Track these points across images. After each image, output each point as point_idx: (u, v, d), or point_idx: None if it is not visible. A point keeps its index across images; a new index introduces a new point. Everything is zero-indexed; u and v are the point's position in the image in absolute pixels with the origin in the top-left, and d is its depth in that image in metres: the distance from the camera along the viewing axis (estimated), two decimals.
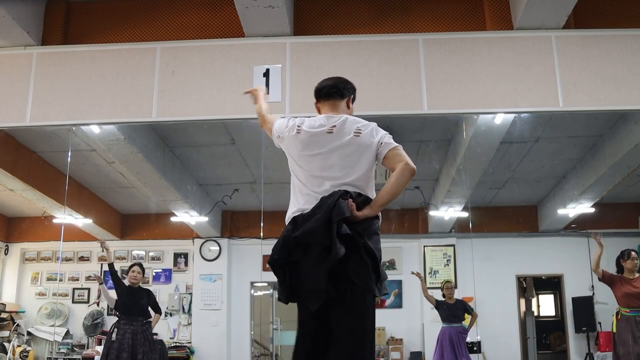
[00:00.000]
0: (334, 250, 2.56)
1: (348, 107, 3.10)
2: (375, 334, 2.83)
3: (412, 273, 8.39)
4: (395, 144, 2.87)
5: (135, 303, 6.82)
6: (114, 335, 6.60)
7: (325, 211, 2.62)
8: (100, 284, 7.73)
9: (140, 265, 7.11)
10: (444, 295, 8.10)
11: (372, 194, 2.86)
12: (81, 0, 5.93)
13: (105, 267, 10.70)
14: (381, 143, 2.86)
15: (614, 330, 6.29)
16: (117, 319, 6.86)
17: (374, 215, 2.78)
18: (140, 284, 7.10)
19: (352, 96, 3.14)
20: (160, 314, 7.21)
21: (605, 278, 6.36)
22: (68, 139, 7.02)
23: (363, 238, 2.68)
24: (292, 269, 2.70)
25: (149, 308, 7.02)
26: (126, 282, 7.01)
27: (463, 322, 8.04)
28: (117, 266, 10.59)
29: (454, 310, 7.94)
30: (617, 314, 6.32)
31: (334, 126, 2.90)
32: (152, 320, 7.03)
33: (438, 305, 7.99)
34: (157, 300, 7.35)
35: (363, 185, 2.83)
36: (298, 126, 2.95)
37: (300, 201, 2.82)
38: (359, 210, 2.70)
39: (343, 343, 2.63)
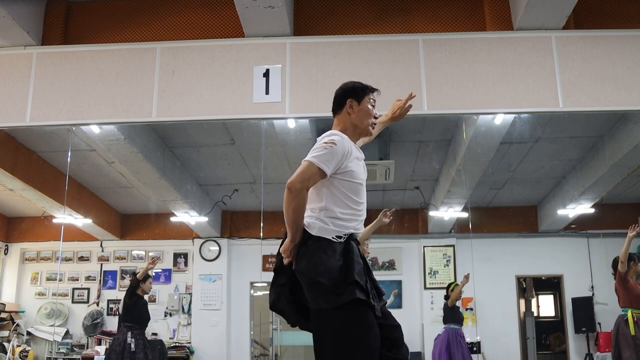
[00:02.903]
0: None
1: (348, 113, 2.96)
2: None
3: (464, 277, 8.06)
4: (305, 158, 2.72)
5: (148, 314, 6.98)
6: (132, 346, 6.58)
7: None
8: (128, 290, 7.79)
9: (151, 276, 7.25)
10: (447, 297, 8.11)
11: (331, 208, 2.76)
12: (81, 0, 5.93)
13: (105, 267, 10.74)
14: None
15: (633, 333, 6.09)
16: (126, 327, 6.81)
17: (297, 239, 2.72)
18: None
19: (349, 100, 2.97)
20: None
21: (621, 275, 6.27)
22: (68, 139, 7.02)
23: (297, 262, 2.72)
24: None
25: None
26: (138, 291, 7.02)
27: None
28: (117, 266, 10.69)
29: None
30: (632, 315, 6.20)
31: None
32: None
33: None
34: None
35: (315, 207, 2.78)
36: None
37: None
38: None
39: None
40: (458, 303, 8.17)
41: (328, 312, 2.61)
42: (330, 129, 2.96)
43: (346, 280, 2.61)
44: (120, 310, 7.39)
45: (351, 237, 2.78)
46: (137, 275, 6.96)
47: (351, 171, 2.81)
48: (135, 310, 6.82)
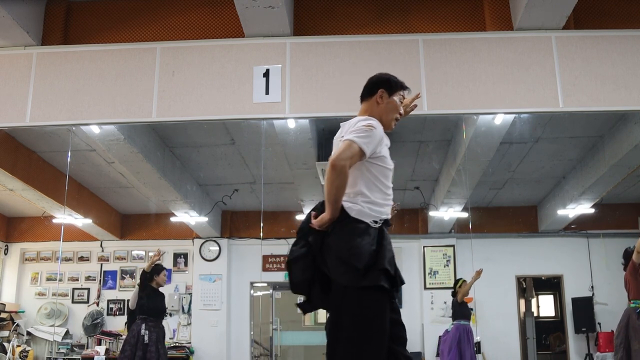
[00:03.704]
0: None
1: (377, 102, 3.01)
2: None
3: (476, 272, 8.02)
4: (347, 137, 2.76)
5: (161, 304, 6.97)
6: (146, 338, 6.60)
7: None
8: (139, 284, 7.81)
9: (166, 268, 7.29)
10: (454, 294, 8.13)
11: (365, 192, 2.81)
12: (81, 0, 5.93)
13: (105, 268, 10.75)
14: (342, 138, 2.83)
15: None
16: (141, 319, 6.81)
17: (335, 216, 2.75)
18: None
19: (381, 90, 3.01)
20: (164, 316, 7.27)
21: (635, 265, 6.19)
22: (68, 139, 7.02)
23: (330, 236, 2.76)
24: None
25: None
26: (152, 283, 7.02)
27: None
28: (117, 266, 10.70)
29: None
30: None
31: (339, 135, 2.95)
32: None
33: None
34: None
35: (350, 191, 2.81)
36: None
37: None
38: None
39: (327, 335, 2.78)
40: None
41: (351, 290, 2.68)
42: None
43: (376, 266, 2.68)
44: (135, 305, 7.46)
45: (385, 222, 2.85)
46: (145, 268, 7.00)
47: (383, 156, 2.88)
48: (149, 302, 6.83)
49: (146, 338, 6.59)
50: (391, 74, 3.11)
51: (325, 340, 2.80)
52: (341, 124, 3.02)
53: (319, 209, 2.84)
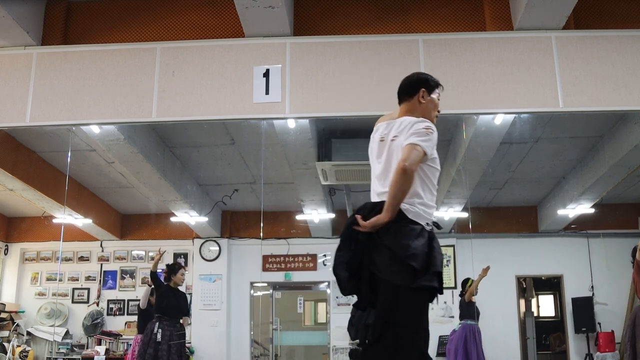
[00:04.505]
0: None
1: (419, 102, 3.07)
2: None
3: (483, 269, 8.06)
4: (411, 141, 2.82)
5: (178, 303, 6.92)
6: (159, 336, 6.60)
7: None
8: (150, 286, 7.81)
9: (184, 267, 7.26)
10: (462, 294, 8.13)
11: (420, 193, 2.86)
12: (81, 0, 5.93)
13: (105, 268, 10.75)
14: (403, 141, 2.87)
15: None
16: (156, 317, 6.81)
17: (392, 218, 2.78)
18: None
19: (422, 89, 3.08)
20: (189, 316, 7.24)
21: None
22: (68, 139, 7.02)
23: (381, 238, 2.79)
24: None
25: None
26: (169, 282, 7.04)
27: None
28: (117, 266, 10.70)
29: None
30: None
31: (386, 134, 3.00)
32: (182, 323, 7.09)
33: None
34: None
35: None
36: (375, 131, 3.11)
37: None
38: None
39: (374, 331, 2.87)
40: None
41: (403, 290, 2.75)
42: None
43: (429, 269, 2.76)
44: (145, 304, 7.76)
45: (435, 225, 2.92)
46: (151, 269, 7.04)
47: (436, 158, 2.95)
48: (163, 301, 6.82)
49: (159, 336, 6.59)
50: (427, 73, 3.21)
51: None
52: (383, 123, 3.08)
53: (366, 212, 2.87)
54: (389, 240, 2.77)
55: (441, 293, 2.86)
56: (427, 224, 2.86)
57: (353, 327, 6.71)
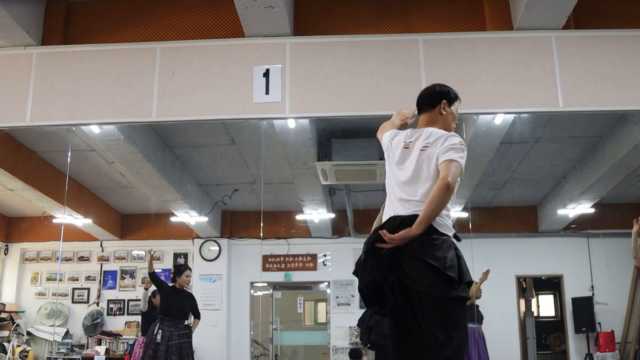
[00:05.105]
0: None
1: (441, 113, 3.14)
2: None
3: (483, 273, 8.09)
4: (450, 157, 2.88)
5: (181, 305, 6.84)
6: (159, 337, 6.58)
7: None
8: (147, 289, 7.85)
9: (190, 269, 7.18)
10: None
11: (449, 208, 2.93)
12: (81, 0, 5.93)
13: (105, 267, 10.75)
14: (440, 155, 2.91)
15: None
16: (159, 319, 6.79)
17: (423, 231, 2.84)
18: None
19: (444, 101, 3.16)
20: (199, 319, 7.18)
21: (639, 270, 6.18)
22: (68, 139, 7.03)
23: (413, 250, 2.84)
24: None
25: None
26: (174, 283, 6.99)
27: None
28: (117, 266, 10.70)
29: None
30: None
31: (411, 141, 3.04)
32: (191, 325, 7.05)
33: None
34: None
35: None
36: (392, 137, 3.16)
37: (385, 206, 3.09)
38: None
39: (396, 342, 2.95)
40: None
41: (441, 300, 2.82)
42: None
43: (461, 279, 2.87)
44: (145, 307, 7.87)
45: (456, 237, 3.01)
46: (148, 271, 7.01)
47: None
48: (166, 301, 6.79)
49: (158, 337, 6.58)
50: (447, 85, 3.27)
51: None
52: (407, 130, 3.14)
53: (395, 226, 2.89)
54: (423, 253, 2.83)
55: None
56: (453, 235, 2.97)
57: (366, 332, 6.80)
